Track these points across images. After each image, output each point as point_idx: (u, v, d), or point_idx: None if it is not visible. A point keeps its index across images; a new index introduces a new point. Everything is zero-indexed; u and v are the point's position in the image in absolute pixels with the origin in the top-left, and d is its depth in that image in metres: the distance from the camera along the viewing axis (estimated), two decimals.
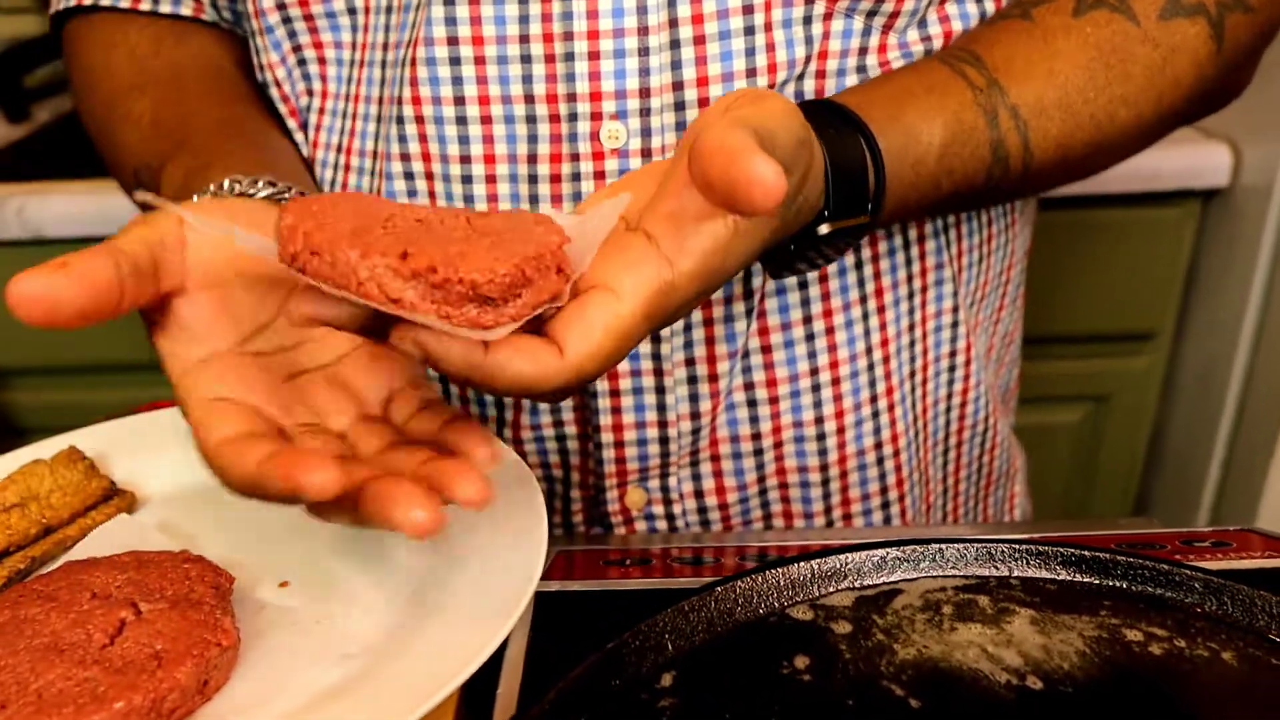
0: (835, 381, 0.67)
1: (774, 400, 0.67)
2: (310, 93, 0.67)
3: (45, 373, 1.33)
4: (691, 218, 0.41)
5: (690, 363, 0.65)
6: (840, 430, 0.68)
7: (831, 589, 0.49)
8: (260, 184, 0.54)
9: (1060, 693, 0.43)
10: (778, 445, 0.68)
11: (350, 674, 0.45)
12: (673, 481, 0.68)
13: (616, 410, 0.65)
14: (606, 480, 0.67)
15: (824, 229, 0.51)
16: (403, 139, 0.62)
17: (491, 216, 0.42)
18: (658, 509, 0.69)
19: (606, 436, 0.66)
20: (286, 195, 0.54)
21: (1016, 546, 0.50)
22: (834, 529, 0.71)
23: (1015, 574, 0.50)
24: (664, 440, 0.66)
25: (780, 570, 0.48)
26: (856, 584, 0.49)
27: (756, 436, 0.67)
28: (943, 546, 0.50)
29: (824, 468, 0.69)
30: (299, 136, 0.68)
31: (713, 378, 0.65)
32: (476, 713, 0.45)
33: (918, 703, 0.43)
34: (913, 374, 0.70)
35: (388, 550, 0.54)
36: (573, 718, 0.42)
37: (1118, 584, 0.49)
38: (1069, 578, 0.50)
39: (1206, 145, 1.24)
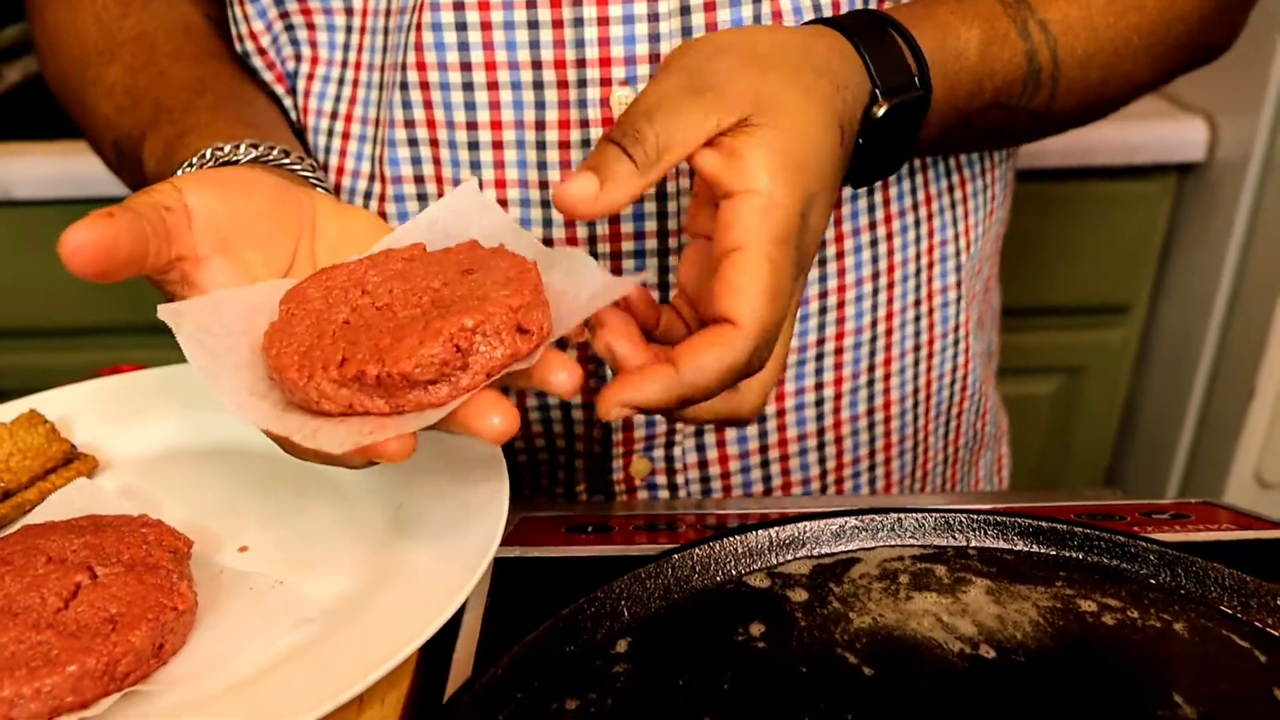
0: (839, 351, 0.68)
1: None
2: (298, 58, 0.66)
3: (8, 335, 1.31)
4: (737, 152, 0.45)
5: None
6: (837, 397, 0.70)
7: (789, 557, 0.49)
8: (243, 148, 0.53)
9: (1012, 662, 0.44)
10: (780, 414, 0.69)
11: (307, 638, 0.45)
12: (677, 451, 0.68)
13: None
14: (613, 449, 0.68)
15: (879, 109, 0.52)
16: (406, 106, 0.61)
17: (469, 276, 0.44)
18: (660, 478, 0.69)
19: None
20: (270, 156, 0.54)
21: (974, 517, 0.50)
22: (798, 498, 0.71)
23: (973, 544, 0.50)
24: None
25: (738, 538, 0.48)
26: (814, 552, 0.50)
27: None
28: (901, 516, 0.50)
29: (820, 433, 0.70)
30: (288, 102, 0.67)
31: None
32: (433, 676, 0.46)
33: (870, 671, 0.43)
34: (917, 348, 0.72)
35: (349, 516, 0.54)
36: (526, 683, 0.42)
37: (1074, 555, 0.50)
38: (1026, 548, 0.50)
39: (1183, 119, 1.24)
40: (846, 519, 0.50)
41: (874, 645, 0.44)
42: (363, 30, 0.63)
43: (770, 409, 0.68)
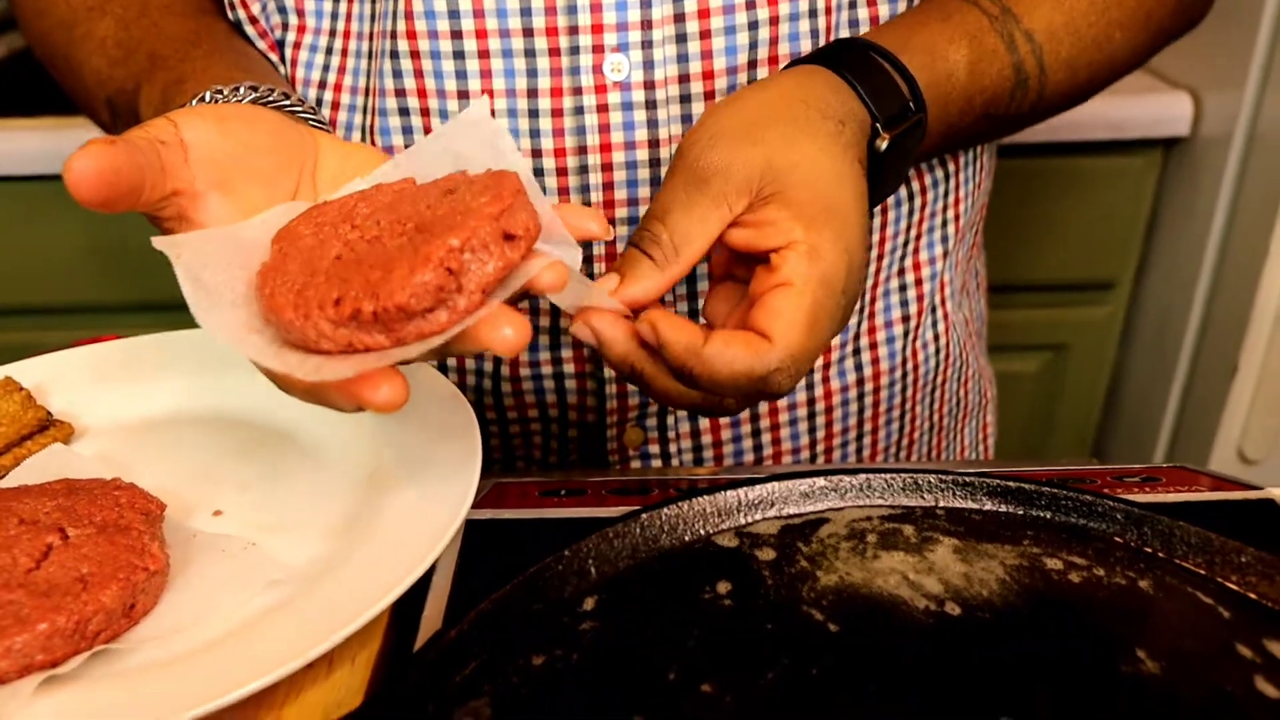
0: None
1: None
2: (285, 26, 0.66)
3: None
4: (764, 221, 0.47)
5: (691, 296, 0.66)
6: (826, 366, 0.70)
7: (758, 517, 0.49)
8: (241, 90, 0.52)
9: (978, 619, 0.44)
10: None
11: (279, 599, 0.46)
12: (670, 420, 0.69)
13: None
14: (607, 419, 0.68)
15: (881, 143, 0.53)
16: (397, 75, 0.61)
17: (450, 195, 0.43)
18: (654, 448, 0.69)
19: (609, 372, 0.66)
20: (270, 98, 0.53)
21: (943, 477, 0.51)
22: (786, 466, 0.72)
23: (941, 504, 0.51)
24: None
25: (706, 498, 0.49)
26: (783, 513, 0.50)
27: None
28: (869, 477, 0.51)
29: (810, 403, 0.71)
30: (281, 70, 0.67)
31: None
32: (404, 638, 0.46)
33: (836, 627, 0.43)
34: (905, 318, 0.72)
35: (323, 480, 0.54)
36: (492, 639, 0.42)
37: (1041, 514, 0.50)
38: (994, 508, 0.51)
39: (1168, 95, 1.24)
40: (815, 479, 0.50)
41: (840, 603, 0.45)
42: None
43: None
